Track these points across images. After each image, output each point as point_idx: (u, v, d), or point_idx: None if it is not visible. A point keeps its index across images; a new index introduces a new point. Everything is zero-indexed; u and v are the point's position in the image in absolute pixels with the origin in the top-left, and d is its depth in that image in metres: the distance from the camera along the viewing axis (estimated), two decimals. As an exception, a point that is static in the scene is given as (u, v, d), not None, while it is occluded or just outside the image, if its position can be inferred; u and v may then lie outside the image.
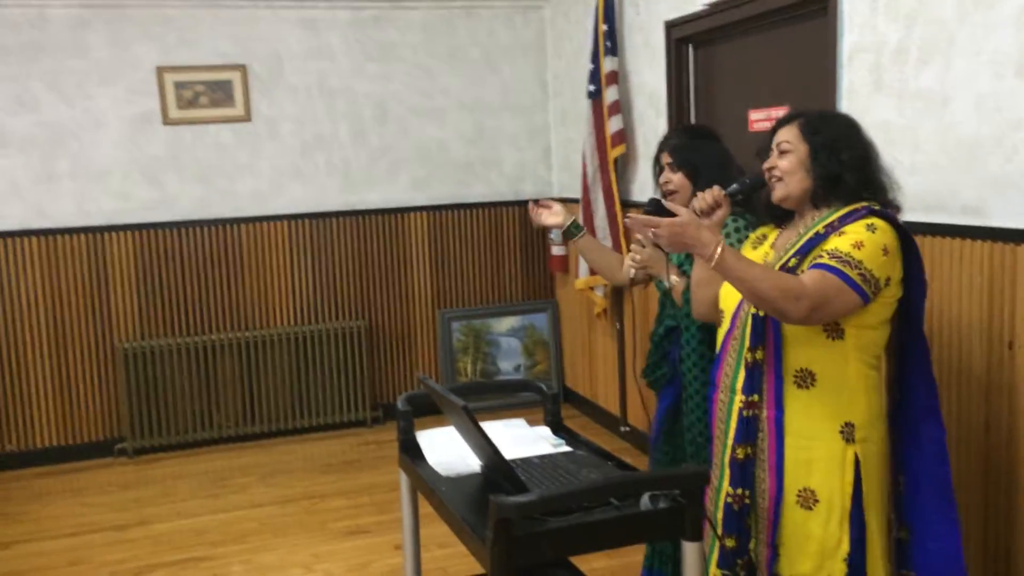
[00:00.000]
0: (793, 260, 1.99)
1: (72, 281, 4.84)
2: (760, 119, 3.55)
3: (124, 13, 4.78)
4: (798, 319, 1.89)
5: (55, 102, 4.74)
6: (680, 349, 2.55)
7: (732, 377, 2.07)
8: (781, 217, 2.18)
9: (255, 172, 5.07)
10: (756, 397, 2.02)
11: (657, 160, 2.64)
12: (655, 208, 2.57)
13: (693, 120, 4.01)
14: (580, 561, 2.60)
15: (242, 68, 4.97)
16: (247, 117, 5.01)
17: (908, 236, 1.98)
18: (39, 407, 4.85)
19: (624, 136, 4.40)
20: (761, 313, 1.99)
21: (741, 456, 2.03)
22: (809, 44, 3.18)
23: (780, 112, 3.43)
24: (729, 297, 2.13)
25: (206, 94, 4.94)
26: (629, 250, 2.60)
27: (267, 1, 4.96)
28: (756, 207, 2.28)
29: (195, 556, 3.67)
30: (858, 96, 2.87)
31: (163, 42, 4.86)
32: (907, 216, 2.08)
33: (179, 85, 4.89)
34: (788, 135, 2.08)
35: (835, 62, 2.95)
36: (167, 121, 4.90)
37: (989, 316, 2.45)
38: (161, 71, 4.86)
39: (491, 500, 1.69)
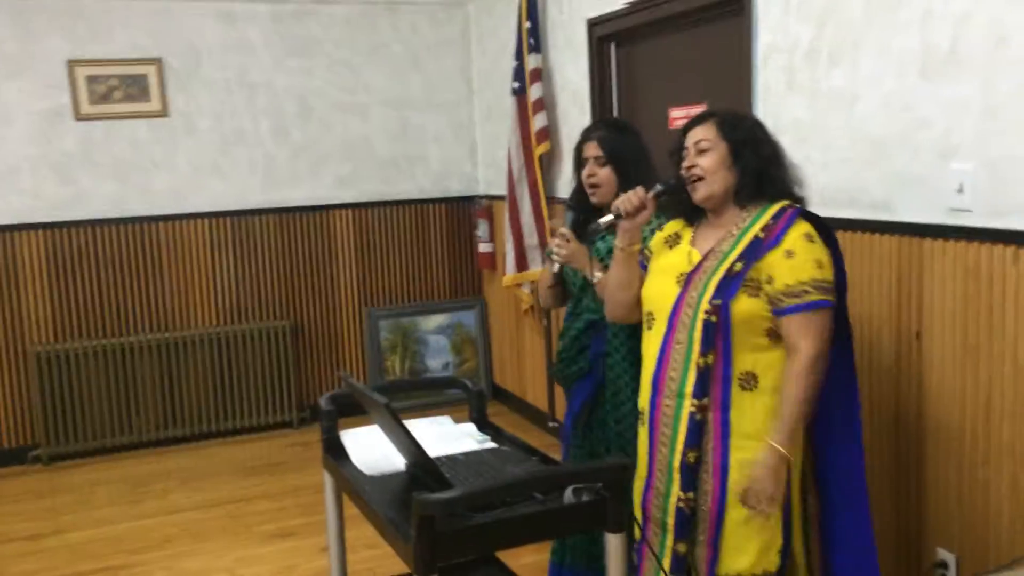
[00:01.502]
0: (739, 265, 2.01)
1: (-21, 283, 4.65)
2: (680, 117, 3.61)
3: (32, 3, 4.60)
4: (827, 365, 2.00)
5: (-42, 96, 4.55)
6: (606, 343, 2.53)
7: (679, 382, 2.06)
8: (693, 214, 2.19)
9: (172, 169, 4.95)
10: (707, 400, 2.03)
11: (579, 151, 2.61)
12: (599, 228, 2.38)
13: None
14: (509, 557, 2.62)
15: (157, 62, 4.83)
16: (163, 112, 4.88)
17: (829, 231, 2.06)
18: (-55, 415, 4.65)
19: (548, 133, 4.43)
20: (714, 319, 2.00)
21: (692, 460, 2.04)
22: (726, 44, 3.25)
23: (698, 110, 3.49)
24: (660, 298, 2.13)
25: (120, 88, 4.79)
26: (551, 243, 2.57)
27: (184, -6, 4.85)
28: (666, 206, 2.28)
29: (113, 564, 3.56)
30: (772, 95, 2.94)
31: (74, 34, 4.69)
32: (819, 211, 2.14)
33: (92, 79, 4.74)
34: (705, 133, 2.10)
35: (750, 62, 3.02)
36: (79, 116, 4.74)
37: (898, 308, 2.54)
38: (72, 64, 4.69)
39: (414, 497, 1.68)
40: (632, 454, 2.27)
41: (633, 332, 2.44)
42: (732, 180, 2.08)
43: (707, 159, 2.08)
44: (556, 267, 2.54)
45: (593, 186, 2.55)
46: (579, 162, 2.62)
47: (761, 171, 2.06)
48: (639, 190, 2.18)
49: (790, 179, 2.11)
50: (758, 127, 2.14)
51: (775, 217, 2.03)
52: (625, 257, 2.24)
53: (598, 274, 2.45)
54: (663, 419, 2.11)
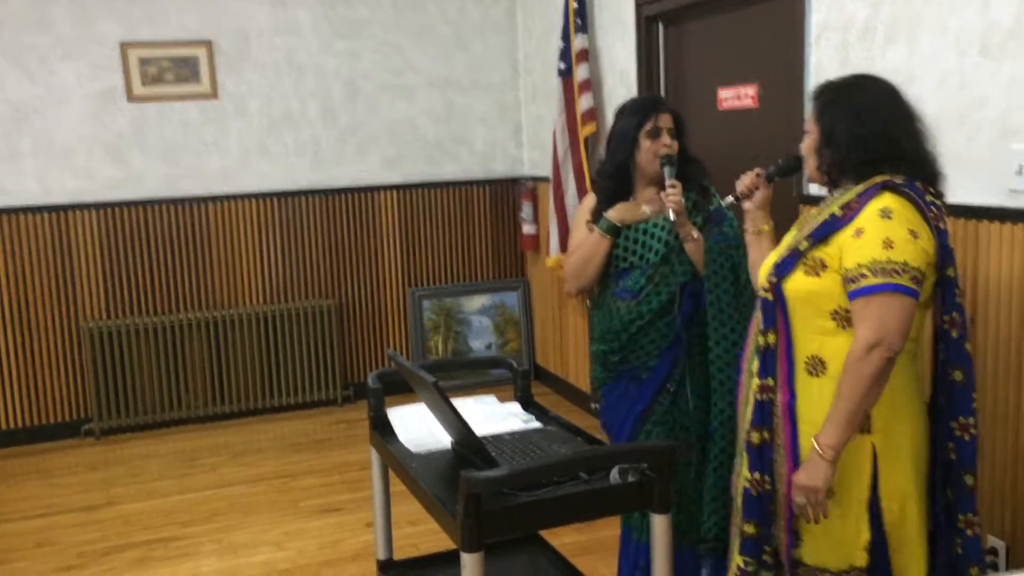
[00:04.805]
0: (804, 244, 1.91)
1: (36, 260, 4.76)
2: (729, 97, 3.56)
3: (86, -13, 4.69)
4: (896, 352, 1.79)
5: (17, 78, 4.64)
6: (708, 308, 2.43)
7: (750, 361, 2.03)
8: None
9: (222, 150, 5.01)
10: (771, 381, 1.96)
11: (647, 116, 2.48)
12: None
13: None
14: (551, 536, 2.63)
15: (208, 44, 4.89)
16: (214, 94, 4.94)
17: (920, 206, 1.84)
18: (3, 389, 4.78)
19: (594, 114, 4.40)
20: (770, 297, 1.95)
21: (756, 441, 1.98)
22: (777, 22, 3.20)
23: (749, 90, 3.45)
24: (759, 277, 2.09)
25: (171, 70, 4.86)
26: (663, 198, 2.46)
27: (233, -24, 4.89)
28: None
29: (165, 536, 3.65)
30: (825, 74, 2.87)
31: (127, 17, 4.77)
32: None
33: (144, 61, 4.81)
34: (809, 113, 2.00)
35: (803, 40, 2.97)
36: (132, 98, 4.82)
37: (951, 292, 2.49)
38: (125, 47, 4.77)
39: (461, 475, 1.69)
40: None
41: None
42: (818, 165, 1.98)
43: (805, 142, 2.01)
44: (672, 215, 2.41)
45: (668, 156, 2.48)
46: (651, 130, 2.49)
47: (836, 162, 1.92)
48: (754, 171, 2.14)
49: (893, 159, 1.88)
50: (861, 105, 1.89)
51: (860, 194, 1.88)
52: (752, 239, 2.19)
53: (695, 233, 2.45)
54: (742, 397, 2.09)
